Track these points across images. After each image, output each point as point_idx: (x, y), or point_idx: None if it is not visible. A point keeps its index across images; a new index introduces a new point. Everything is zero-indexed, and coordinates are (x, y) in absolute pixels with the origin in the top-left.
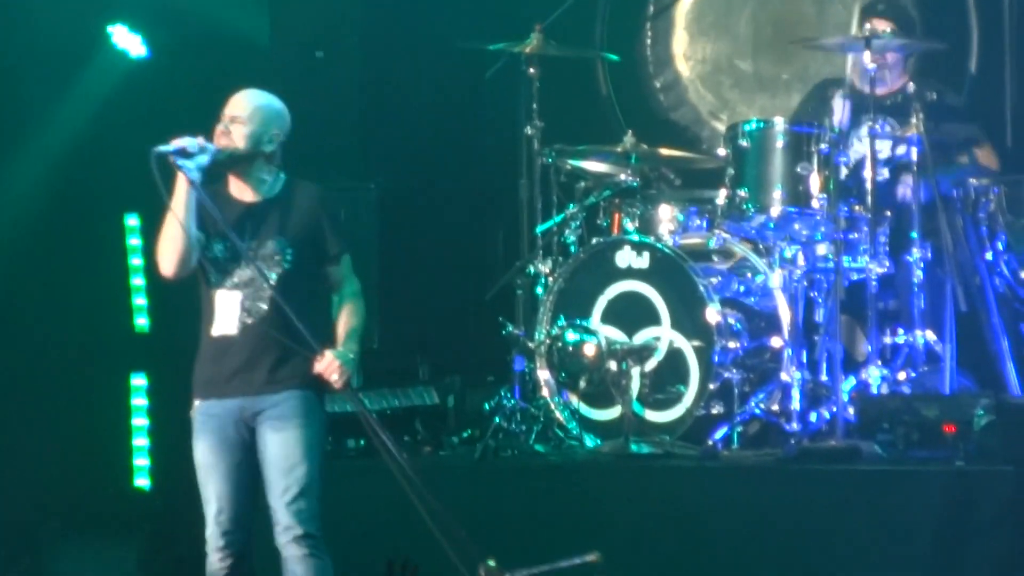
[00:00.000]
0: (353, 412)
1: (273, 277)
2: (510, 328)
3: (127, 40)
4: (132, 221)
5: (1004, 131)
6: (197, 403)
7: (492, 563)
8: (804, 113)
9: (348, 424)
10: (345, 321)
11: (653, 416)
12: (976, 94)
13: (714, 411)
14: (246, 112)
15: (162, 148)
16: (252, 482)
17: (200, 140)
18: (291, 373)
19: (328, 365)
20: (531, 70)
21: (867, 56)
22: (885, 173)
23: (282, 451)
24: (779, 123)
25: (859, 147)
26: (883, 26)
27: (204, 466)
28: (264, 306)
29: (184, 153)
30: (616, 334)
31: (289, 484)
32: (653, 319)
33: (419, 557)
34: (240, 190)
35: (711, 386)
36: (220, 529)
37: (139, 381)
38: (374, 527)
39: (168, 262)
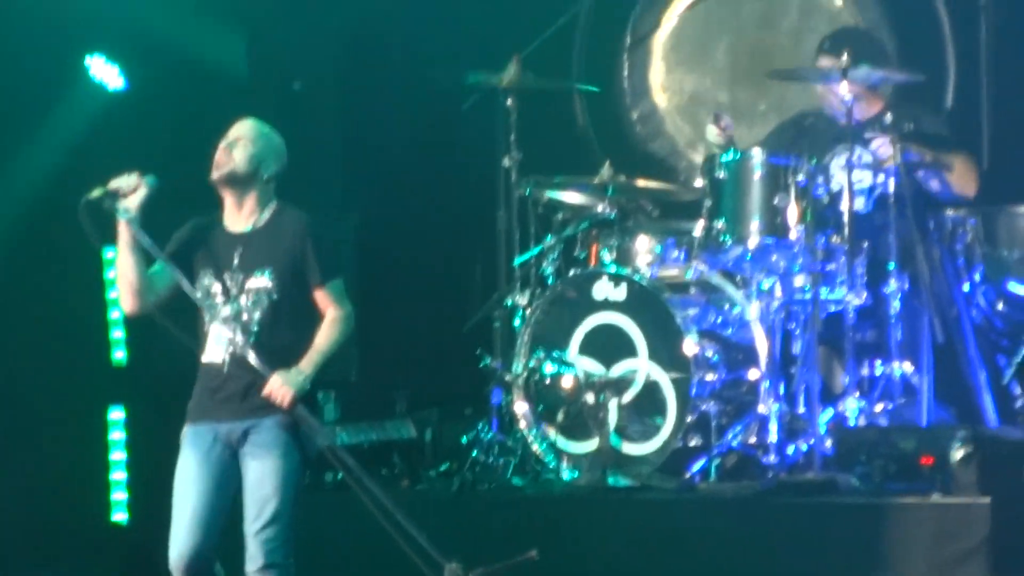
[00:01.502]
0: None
1: (259, 312)
2: (488, 360)
3: (105, 71)
4: (110, 254)
5: (981, 162)
6: (187, 426)
7: (454, 564)
8: (776, 142)
9: (326, 458)
10: (313, 341)
11: (631, 448)
12: (953, 126)
13: (692, 443)
14: (251, 134)
15: (92, 195)
16: (225, 505)
17: (135, 178)
18: (277, 408)
19: (270, 387)
20: (509, 101)
21: (843, 86)
22: (860, 204)
23: (258, 480)
24: (756, 154)
25: (839, 176)
26: (829, 63)
27: (185, 478)
28: (252, 339)
29: (117, 194)
30: (593, 366)
31: (260, 513)
32: (630, 351)
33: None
34: (233, 220)
35: (689, 418)
36: (188, 540)
37: (117, 415)
38: (350, 560)
39: (124, 301)
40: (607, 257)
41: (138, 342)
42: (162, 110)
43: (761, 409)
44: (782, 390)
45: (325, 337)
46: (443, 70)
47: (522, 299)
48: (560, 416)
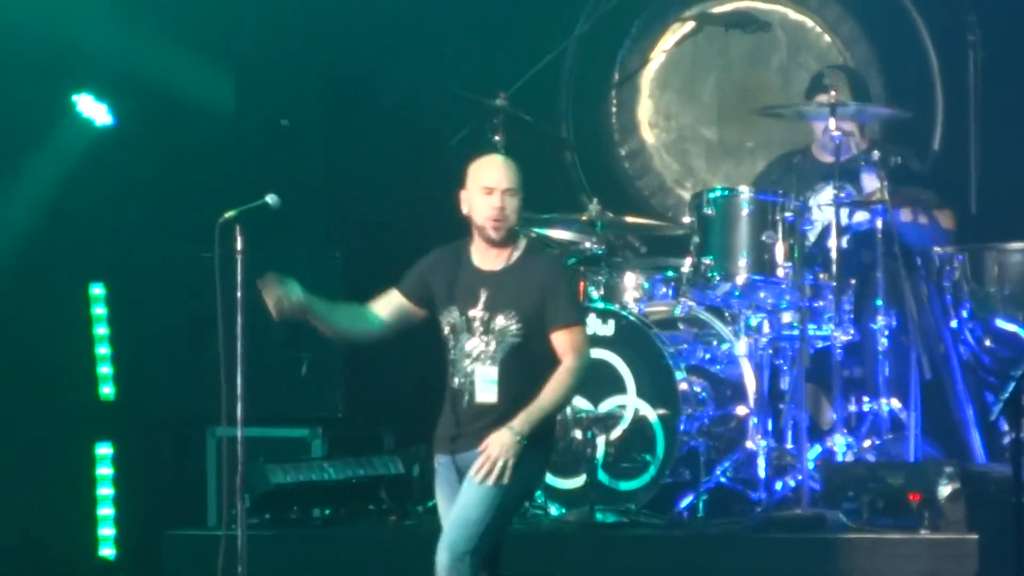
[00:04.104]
0: (318, 481)
1: (503, 353)
2: None
3: (92, 108)
4: (97, 290)
5: (968, 200)
6: (436, 455)
7: None
8: (766, 182)
9: (313, 493)
10: (539, 393)
11: (618, 484)
12: (941, 163)
13: (680, 479)
14: (516, 182)
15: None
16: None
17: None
18: None
19: (487, 460)
20: (496, 137)
21: (831, 123)
22: (845, 242)
23: (463, 499)
24: (744, 191)
25: (818, 214)
26: (826, 99)
27: (440, 513)
28: (505, 385)
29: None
30: (581, 402)
31: (449, 530)
32: (619, 387)
33: None
34: (483, 257)
35: (677, 454)
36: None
37: (104, 450)
38: None
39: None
40: (595, 293)
41: (126, 378)
42: (150, 147)
43: (749, 445)
44: (770, 426)
45: (552, 393)
46: (437, 86)
47: None
48: None
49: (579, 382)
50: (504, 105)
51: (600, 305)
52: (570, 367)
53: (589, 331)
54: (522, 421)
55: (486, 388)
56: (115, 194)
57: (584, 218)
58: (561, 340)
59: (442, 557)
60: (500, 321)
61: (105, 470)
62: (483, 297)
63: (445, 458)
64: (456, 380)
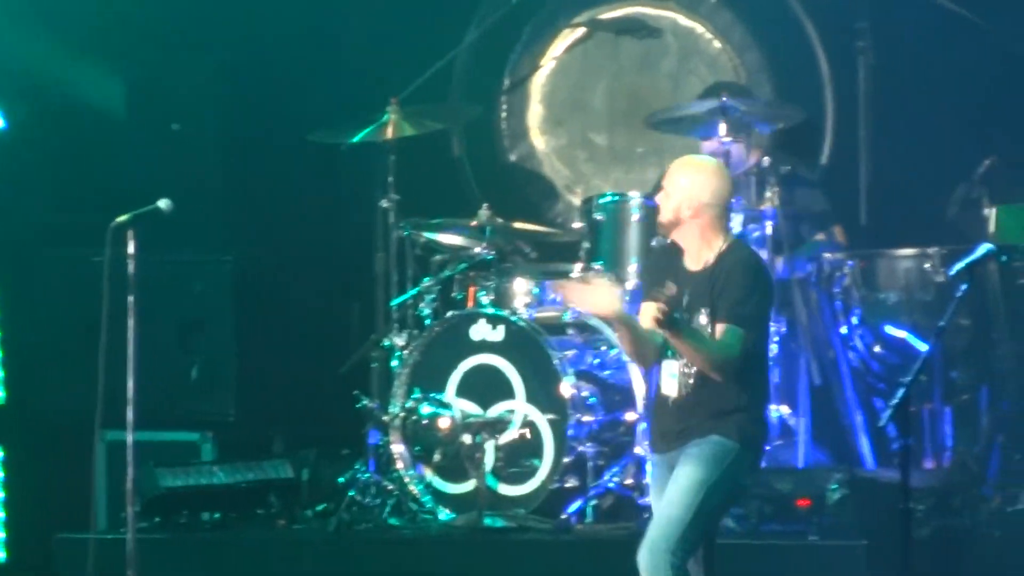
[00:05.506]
0: (208, 485)
1: None
2: (365, 401)
3: None
4: None
5: (858, 207)
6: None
7: None
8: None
9: (203, 497)
10: (748, 387)
11: (507, 490)
12: (830, 171)
13: (568, 485)
14: (669, 185)
15: None
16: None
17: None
18: (715, 425)
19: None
20: (387, 138)
21: (722, 128)
22: None
23: (665, 498)
24: (634, 197)
25: None
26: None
27: (654, 502)
28: (691, 380)
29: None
30: (471, 407)
31: (651, 528)
32: (508, 392)
33: None
34: (689, 258)
35: (565, 460)
36: None
37: None
38: None
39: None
40: (485, 299)
41: (16, 381)
42: (42, 150)
43: (638, 450)
44: None
45: (709, 340)
46: (323, 110)
47: (399, 340)
48: (437, 457)
49: (718, 360)
50: (395, 110)
51: (490, 311)
52: (722, 347)
53: (479, 337)
54: (679, 319)
55: (669, 382)
56: (6, 198)
57: (474, 223)
58: (717, 332)
59: (643, 556)
60: (698, 320)
61: None
62: (686, 297)
63: (656, 457)
64: (668, 379)
